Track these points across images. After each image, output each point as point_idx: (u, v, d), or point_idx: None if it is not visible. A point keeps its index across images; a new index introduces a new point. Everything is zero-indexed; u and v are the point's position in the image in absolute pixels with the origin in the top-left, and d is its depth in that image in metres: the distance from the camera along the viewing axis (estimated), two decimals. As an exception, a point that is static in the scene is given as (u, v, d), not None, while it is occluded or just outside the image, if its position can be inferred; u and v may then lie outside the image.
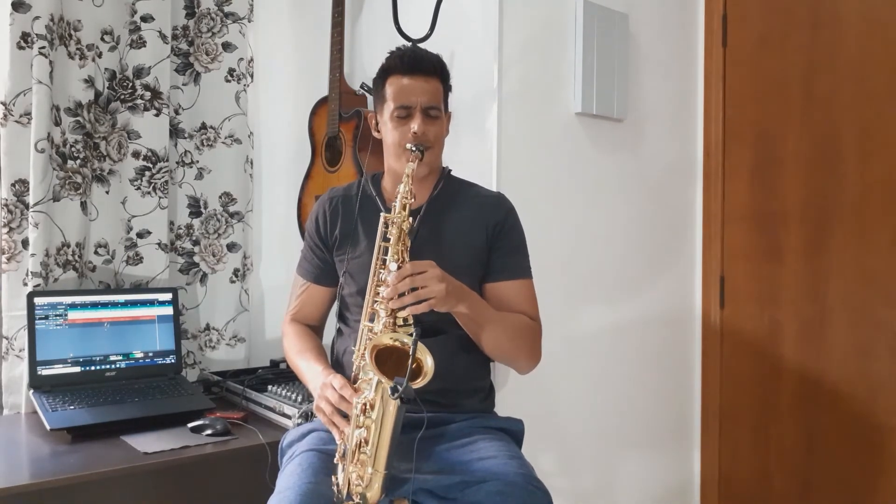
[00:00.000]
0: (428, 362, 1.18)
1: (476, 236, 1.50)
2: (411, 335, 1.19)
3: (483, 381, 1.55)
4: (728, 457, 2.37)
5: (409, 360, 1.14)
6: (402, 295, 1.25)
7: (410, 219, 1.34)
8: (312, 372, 1.45)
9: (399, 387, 1.11)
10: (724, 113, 2.37)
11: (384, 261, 1.31)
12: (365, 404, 1.21)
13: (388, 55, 1.50)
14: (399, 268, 1.27)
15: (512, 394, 1.85)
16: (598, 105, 2.08)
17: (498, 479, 1.25)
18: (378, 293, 1.30)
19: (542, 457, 1.97)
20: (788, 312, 2.22)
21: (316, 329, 1.65)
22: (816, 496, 2.17)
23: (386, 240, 1.33)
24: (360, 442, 1.20)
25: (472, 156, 1.90)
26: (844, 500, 2.11)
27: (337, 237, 1.55)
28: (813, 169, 2.17)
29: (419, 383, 1.15)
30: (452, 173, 1.60)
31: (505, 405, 1.71)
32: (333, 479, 1.26)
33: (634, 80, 2.21)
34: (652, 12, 2.28)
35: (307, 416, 1.67)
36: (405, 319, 1.28)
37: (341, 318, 1.58)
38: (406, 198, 1.34)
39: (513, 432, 1.49)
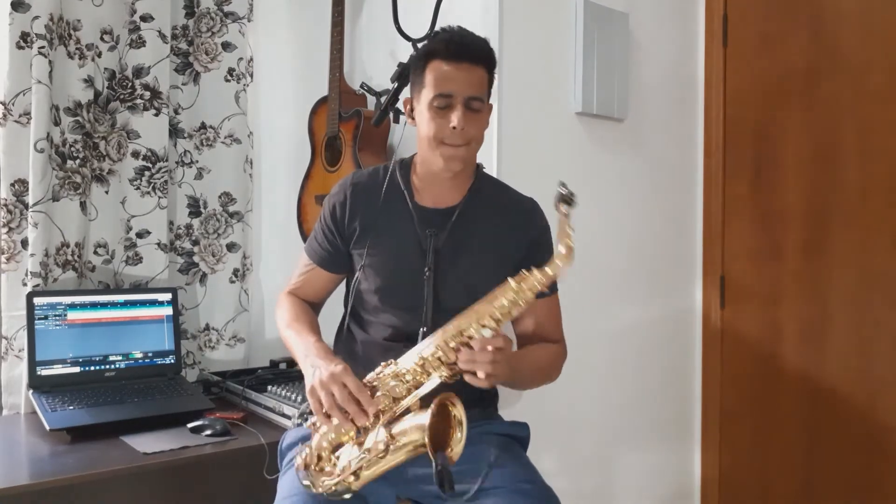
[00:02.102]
0: (457, 449, 1.17)
1: (511, 248, 1.42)
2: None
3: (489, 391, 1.51)
4: (729, 456, 2.37)
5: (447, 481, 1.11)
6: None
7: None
8: (304, 342, 1.36)
9: (444, 481, 1.09)
10: (725, 113, 2.36)
11: (484, 323, 1.20)
12: (389, 440, 1.17)
13: (433, 36, 1.39)
14: (493, 335, 1.19)
15: (513, 393, 1.84)
16: (599, 105, 2.08)
17: (506, 487, 1.24)
18: (460, 338, 1.20)
19: (544, 456, 1.96)
20: (789, 312, 2.22)
21: (314, 306, 1.57)
22: (817, 496, 2.16)
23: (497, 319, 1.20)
24: (360, 466, 1.18)
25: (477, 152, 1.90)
26: (845, 501, 2.11)
27: (356, 229, 1.44)
28: (813, 168, 2.17)
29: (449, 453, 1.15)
30: (485, 169, 1.52)
31: (506, 405, 1.71)
32: (303, 447, 1.26)
33: (635, 80, 2.21)
34: (652, 12, 2.27)
35: (306, 417, 1.66)
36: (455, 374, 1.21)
37: (353, 314, 1.49)
38: (542, 286, 1.20)
39: (519, 438, 1.47)
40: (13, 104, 1.84)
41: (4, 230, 1.86)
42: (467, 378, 1.18)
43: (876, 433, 2.05)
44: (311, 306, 1.56)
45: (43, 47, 1.82)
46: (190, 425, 1.67)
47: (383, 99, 1.86)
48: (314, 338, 1.37)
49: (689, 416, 2.44)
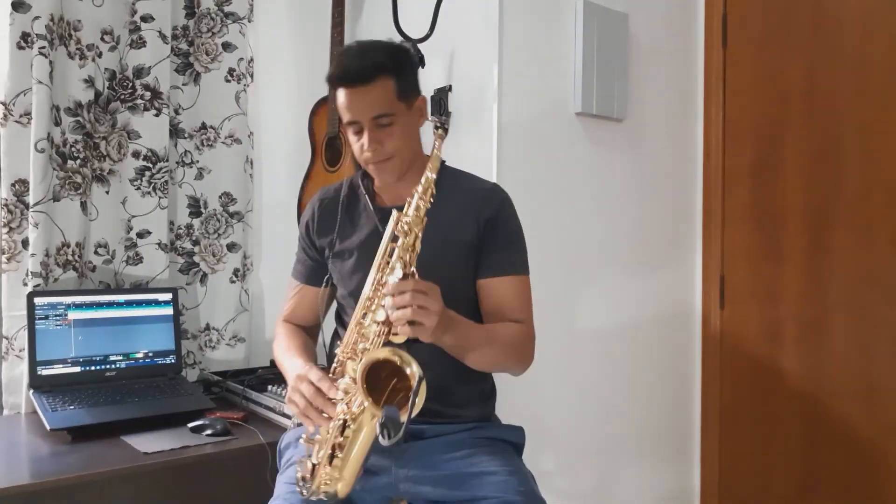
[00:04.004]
0: (419, 399, 1.10)
1: (467, 231, 1.39)
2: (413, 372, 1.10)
3: (482, 385, 1.48)
4: (728, 457, 2.37)
5: (410, 406, 1.05)
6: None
7: (426, 218, 1.22)
8: (293, 367, 1.38)
9: (389, 431, 1.01)
10: (724, 113, 2.37)
11: (388, 262, 1.21)
12: (345, 420, 1.15)
13: (332, 57, 1.41)
14: (405, 276, 1.17)
15: (511, 394, 1.84)
16: (599, 105, 2.08)
17: (497, 498, 1.23)
18: (376, 293, 1.21)
19: (542, 458, 1.97)
20: (788, 312, 2.22)
21: (310, 329, 1.59)
22: (816, 496, 2.16)
23: (394, 239, 1.22)
24: (335, 447, 1.17)
25: (472, 155, 1.90)
26: (844, 502, 2.11)
27: (326, 243, 1.49)
28: (813, 169, 2.17)
29: (402, 416, 1.07)
30: (447, 164, 1.49)
31: (504, 406, 1.71)
32: (299, 463, 1.22)
33: (634, 81, 2.21)
34: (652, 12, 2.28)
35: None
36: (397, 334, 1.17)
37: (340, 321, 1.54)
38: (423, 198, 1.20)
39: (513, 442, 1.44)
40: (14, 104, 1.85)
41: (5, 230, 1.86)
42: (400, 331, 1.15)
43: (875, 433, 2.05)
44: (309, 330, 1.58)
45: (43, 47, 1.82)
46: (190, 425, 1.67)
47: (383, 99, 1.86)
48: (301, 360, 1.39)
49: (689, 415, 2.44)
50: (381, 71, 1.31)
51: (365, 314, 1.22)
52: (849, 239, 2.09)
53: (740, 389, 2.34)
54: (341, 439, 1.16)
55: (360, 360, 1.14)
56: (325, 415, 1.19)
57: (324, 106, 2.21)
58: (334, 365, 1.26)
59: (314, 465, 1.20)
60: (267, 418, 1.79)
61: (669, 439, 2.39)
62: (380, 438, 1.03)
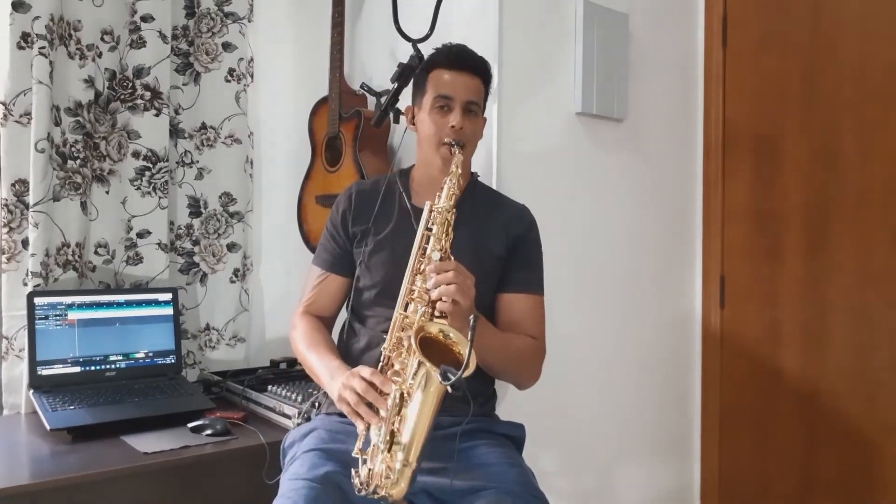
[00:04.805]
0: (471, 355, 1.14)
1: (496, 245, 1.50)
2: (470, 320, 1.15)
3: (486, 387, 1.53)
4: (728, 457, 2.37)
5: (469, 342, 1.10)
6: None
7: (455, 210, 1.33)
8: (327, 365, 1.41)
9: (451, 374, 1.07)
10: (724, 113, 2.37)
11: (425, 250, 1.31)
12: (402, 392, 1.18)
13: (436, 49, 1.53)
14: (441, 259, 1.27)
15: (513, 394, 1.85)
16: (599, 105, 2.08)
17: (497, 487, 1.25)
18: (415, 282, 1.29)
19: (544, 457, 1.97)
20: (788, 312, 2.22)
21: (327, 321, 1.61)
22: (816, 496, 2.17)
23: (428, 229, 1.32)
24: (394, 431, 1.17)
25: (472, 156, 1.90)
26: (844, 501, 2.11)
27: (359, 231, 1.54)
28: (813, 169, 2.17)
29: (465, 374, 1.11)
30: (480, 179, 1.61)
31: (506, 406, 1.71)
32: (354, 472, 1.21)
33: (634, 81, 2.21)
34: (652, 12, 2.28)
35: (307, 416, 1.67)
36: (442, 312, 1.24)
37: (356, 315, 1.55)
38: (453, 189, 1.34)
39: (514, 438, 1.47)
40: (14, 104, 1.84)
41: (5, 230, 1.86)
42: (439, 306, 1.23)
43: (875, 433, 2.05)
44: (325, 322, 1.60)
45: (43, 48, 1.82)
46: (190, 425, 1.67)
47: (383, 99, 1.86)
48: (337, 361, 1.41)
49: (689, 415, 2.44)
50: (483, 73, 1.52)
51: (407, 305, 1.29)
52: (848, 239, 2.09)
53: (740, 389, 2.34)
54: (398, 421, 1.17)
55: (413, 332, 1.19)
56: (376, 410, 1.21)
57: (324, 106, 2.21)
58: (381, 363, 1.30)
59: (373, 457, 1.19)
60: (267, 418, 1.79)
61: (669, 439, 2.39)
62: (440, 381, 1.09)
